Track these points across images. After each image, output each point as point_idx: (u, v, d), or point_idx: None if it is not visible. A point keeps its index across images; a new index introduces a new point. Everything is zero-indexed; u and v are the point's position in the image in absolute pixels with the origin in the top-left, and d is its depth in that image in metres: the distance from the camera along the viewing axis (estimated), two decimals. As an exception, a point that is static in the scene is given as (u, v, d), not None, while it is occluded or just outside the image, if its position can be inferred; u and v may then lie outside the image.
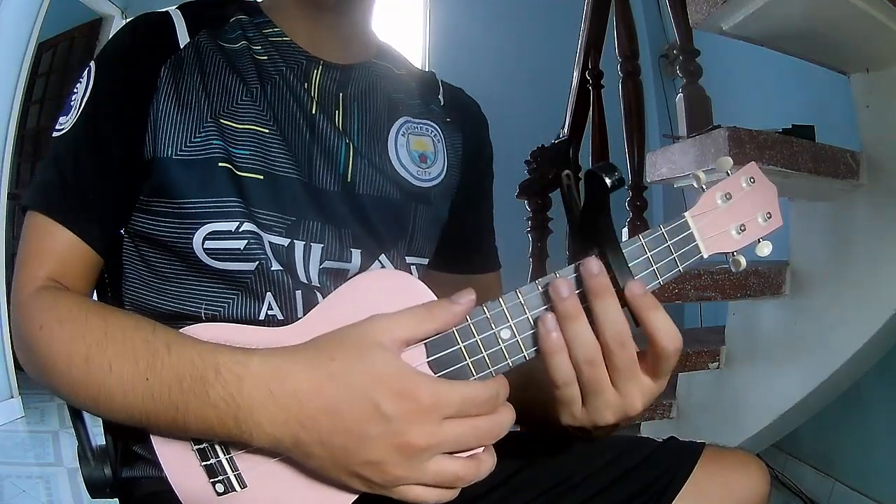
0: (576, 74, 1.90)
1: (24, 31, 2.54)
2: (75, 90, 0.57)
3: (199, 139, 0.54)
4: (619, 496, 0.59)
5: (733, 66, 2.12)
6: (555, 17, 3.12)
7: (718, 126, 1.16)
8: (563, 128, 1.96)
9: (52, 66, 3.47)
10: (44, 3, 2.56)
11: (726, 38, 1.17)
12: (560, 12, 2.93)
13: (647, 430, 1.68)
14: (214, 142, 0.54)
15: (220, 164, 0.54)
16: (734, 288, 1.30)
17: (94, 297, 0.59)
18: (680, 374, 1.58)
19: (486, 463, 0.44)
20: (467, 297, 0.44)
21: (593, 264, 0.43)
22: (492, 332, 0.45)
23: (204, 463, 0.46)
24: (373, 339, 0.43)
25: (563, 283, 0.43)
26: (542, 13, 3.27)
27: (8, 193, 2.63)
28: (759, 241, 0.48)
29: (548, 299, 0.45)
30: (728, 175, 0.48)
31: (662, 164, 1.30)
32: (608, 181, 0.44)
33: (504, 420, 0.44)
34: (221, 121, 0.55)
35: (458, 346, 0.45)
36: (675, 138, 1.44)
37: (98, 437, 0.63)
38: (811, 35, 1.15)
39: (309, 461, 0.44)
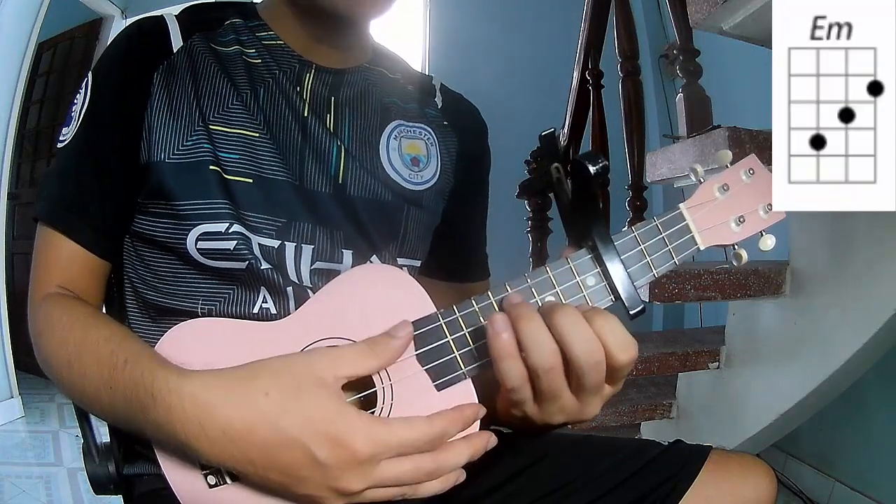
0: (576, 74, 1.90)
1: (24, 31, 2.53)
2: (75, 101, 0.58)
3: (189, 143, 0.55)
4: (621, 500, 0.58)
5: (733, 66, 2.12)
6: (555, 17, 3.12)
7: (718, 126, 1.16)
8: (563, 128, 1.96)
9: (52, 66, 3.45)
10: (44, 3, 2.56)
11: (726, 38, 1.17)
12: (560, 12, 2.93)
13: (647, 429, 1.68)
14: (204, 145, 0.55)
15: (210, 168, 0.55)
16: (734, 288, 1.30)
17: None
18: (680, 374, 1.58)
19: (426, 488, 0.44)
20: (405, 331, 0.44)
21: (514, 296, 0.43)
22: (481, 325, 0.45)
23: None
24: (314, 374, 0.42)
25: (515, 295, 0.43)
26: (541, 14, 3.28)
27: (8, 193, 2.63)
28: (762, 235, 0.47)
29: (534, 294, 0.45)
30: (727, 167, 0.48)
31: (662, 164, 1.30)
32: (591, 168, 0.44)
33: (451, 461, 0.44)
34: (211, 126, 0.56)
35: (446, 339, 0.45)
36: (675, 138, 1.44)
37: (104, 436, 0.63)
38: (811, 35, 1.14)
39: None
